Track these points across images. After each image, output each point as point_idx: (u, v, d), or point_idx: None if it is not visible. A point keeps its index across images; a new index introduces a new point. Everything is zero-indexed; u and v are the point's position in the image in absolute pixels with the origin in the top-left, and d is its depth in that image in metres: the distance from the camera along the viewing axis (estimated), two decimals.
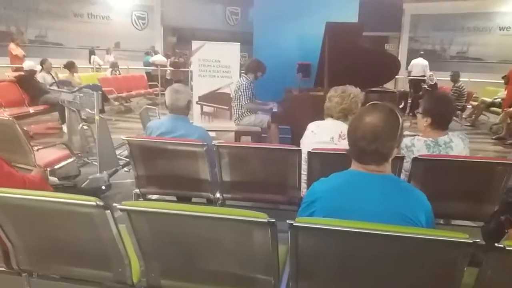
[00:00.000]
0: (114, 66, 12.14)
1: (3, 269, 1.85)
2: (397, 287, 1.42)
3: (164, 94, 3.16)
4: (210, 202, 2.83)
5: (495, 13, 14.28)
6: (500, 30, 14.28)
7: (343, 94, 2.67)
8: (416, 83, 10.93)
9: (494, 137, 7.85)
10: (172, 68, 12.88)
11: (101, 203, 1.50)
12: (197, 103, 6.74)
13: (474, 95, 9.90)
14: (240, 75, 5.98)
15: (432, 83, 9.99)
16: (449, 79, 9.28)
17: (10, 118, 3.60)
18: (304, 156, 2.54)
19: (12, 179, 2.20)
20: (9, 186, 1.69)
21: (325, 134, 2.67)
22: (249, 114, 5.27)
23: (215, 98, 6.76)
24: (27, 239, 1.76)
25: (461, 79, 9.18)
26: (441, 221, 2.64)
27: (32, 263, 1.81)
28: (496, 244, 1.24)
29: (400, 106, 9.52)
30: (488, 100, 9.13)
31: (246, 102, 5.15)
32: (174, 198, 3.01)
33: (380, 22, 13.23)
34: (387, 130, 1.43)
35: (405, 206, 1.42)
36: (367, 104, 1.57)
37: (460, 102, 8.83)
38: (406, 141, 2.57)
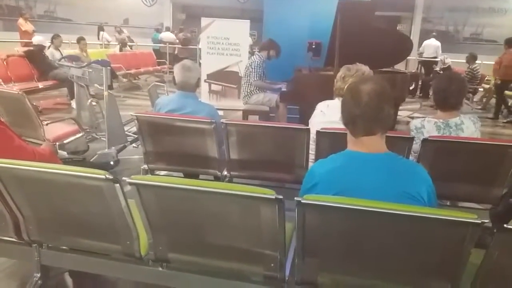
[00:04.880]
0: (123, 42, 12.08)
1: (14, 239, 1.88)
2: (403, 265, 1.43)
3: (172, 71, 3.14)
4: (217, 179, 2.84)
5: None
6: None
7: (357, 73, 2.63)
8: (427, 65, 10.76)
9: (504, 121, 7.76)
10: (180, 46, 12.79)
11: (111, 177, 1.51)
12: (205, 81, 6.70)
13: (486, 78, 9.73)
14: (253, 53, 5.93)
15: (445, 66, 9.82)
16: (462, 61, 9.12)
17: (20, 93, 3.62)
18: (312, 135, 2.53)
19: (23, 152, 2.22)
20: (20, 158, 1.71)
21: (334, 114, 2.63)
22: (257, 92, 5.24)
23: (224, 76, 6.72)
24: (38, 211, 1.79)
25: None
26: (448, 203, 2.64)
27: (42, 234, 1.85)
28: (505, 225, 1.23)
29: (411, 88, 9.42)
30: None
31: (256, 79, 5.13)
32: (182, 175, 3.03)
33: (393, 2, 12.95)
34: (388, 94, 1.45)
35: (406, 184, 1.42)
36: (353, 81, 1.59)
37: (472, 84, 8.69)
38: (416, 122, 2.56)
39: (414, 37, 14.09)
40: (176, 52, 12.71)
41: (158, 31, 13.92)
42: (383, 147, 1.48)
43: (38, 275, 1.92)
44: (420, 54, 11.13)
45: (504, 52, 7.75)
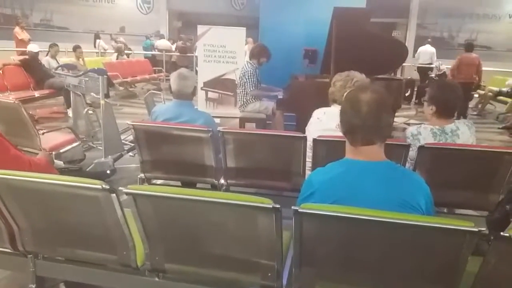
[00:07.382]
0: (119, 50, 12.08)
1: (9, 250, 1.86)
2: (400, 274, 1.42)
3: (168, 79, 3.15)
4: (214, 187, 2.83)
5: (505, 0, 14.04)
6: (509, 17, 14.07)
7: (346, 78, 2.65)
8: (423, 71, 10.81)
9: (500, 127, 7.79)
10: (178, 54, 12.80)
11: (107, 187, 1.51)
12: (202, 89, 6.70)
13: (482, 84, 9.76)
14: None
15: (440, 72, 9.87)
16: None
17: (16, 102, 3.61)
18: (309, 143, 2.53)
19: (19, 162, 2.22)
20: (16, 168, 1.70)
21: (331, 121, 2.65)
22: (254, 100, 5.23)
23: (220, 84, 6.71)
24: (33, 221, 1.78)
25: None
26: (445, 210, 2.64)
27: (38, 245, 1.83)
28: (501, 233, 1.23)
29: (406, 94, 9.46)
30: (495, 89, 9.02)
31: (252, 89, 5.10)
32: (179, 184, 3.02)
33: (388, 8, 13.05)
34: (386, 102, 1.45)
35: (405, 192, 1.42)
36: (351, 90, 1.58)
37: None
38: (412, 129, 2.56)
39: (409, 44, 14.16)
40: (174, 59, 12.70)
41: (149, 38, 13.94)
42: (382, 155, 1.48)
43: (33, 286, 1.90)
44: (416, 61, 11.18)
45: (459, 56, 8.20)
